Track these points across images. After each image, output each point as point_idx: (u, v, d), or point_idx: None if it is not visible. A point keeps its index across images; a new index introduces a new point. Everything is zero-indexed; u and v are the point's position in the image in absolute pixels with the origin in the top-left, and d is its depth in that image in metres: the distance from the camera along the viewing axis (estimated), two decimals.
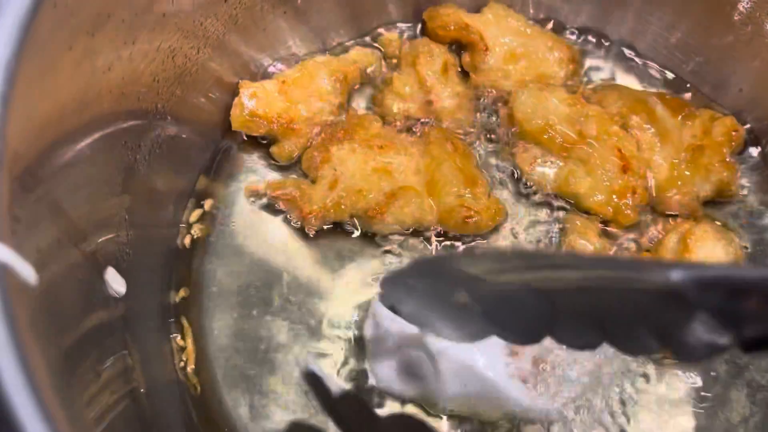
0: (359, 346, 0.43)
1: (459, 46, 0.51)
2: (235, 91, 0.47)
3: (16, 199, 0.25)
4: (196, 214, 0.46)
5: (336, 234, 0.46)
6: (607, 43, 0.53)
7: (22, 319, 0.22)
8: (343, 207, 0.45)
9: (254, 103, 0.47)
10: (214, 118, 0.47)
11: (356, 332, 0.44)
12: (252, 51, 0.48)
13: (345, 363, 0.43)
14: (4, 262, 0.23)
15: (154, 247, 0.43)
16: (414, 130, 0.49)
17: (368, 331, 0.43)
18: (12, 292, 0.22)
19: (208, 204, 0.47)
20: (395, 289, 0.35)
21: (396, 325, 0.43)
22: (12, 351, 0.21)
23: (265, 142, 0.48)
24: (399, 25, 0.53)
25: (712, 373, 0.43)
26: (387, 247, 0.46)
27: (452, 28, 0.51)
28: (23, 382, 0.21)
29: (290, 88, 0.48)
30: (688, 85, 0.52)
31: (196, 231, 0.46)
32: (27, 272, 0.24)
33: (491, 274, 0.32)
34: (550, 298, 0.30)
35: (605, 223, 0.46)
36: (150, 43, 0.37)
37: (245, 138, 0.48)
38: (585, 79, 0.52)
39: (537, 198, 0.48)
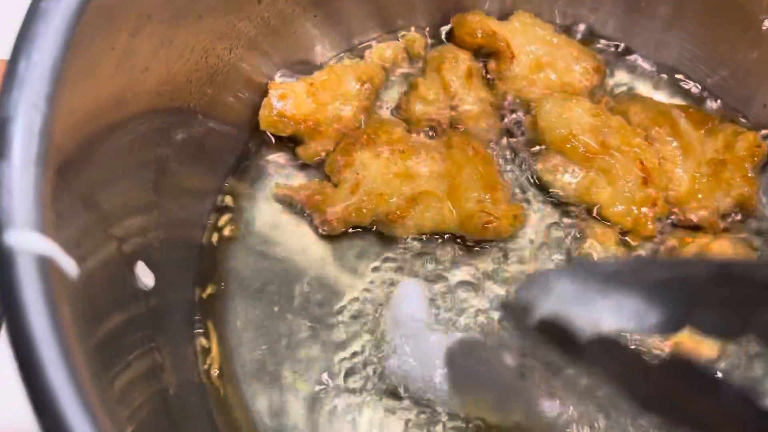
0: (378, 342, 0.44)
1: (485, 52, 0.52)
2: (263, 92, 0.48)
3: (58, 193, 0.26)
4: (221, 211, 0.47)
5: (356, 235, 0.47)
6: (632, 54, 0.53)
7: (64, 313, 0.23)
8: (364, 211, 0.46)
9: (283, 104, 0.47)
10: (242, 117, 0.48)
11: (375, 329, 0.45)
12: (282, 52, 0.49)
13: (364, 359, 0.44)
14: (48, 255, 0.24)
15: (181, 243, 0.44)
16: (437, 134, 0.50)
17: (387, 327, 0.44)
18: (56, 286, 0.23)
19: (233, 202, 0.48)
20: (534, 288, 0.34)
21: (414, 323, 0.44)
22: (56, 345, 0.22)
23: (291, 144, 0.49)
24: (426, 30, 0.54)
25: None
26: (406, 250, 0.47)
27: (479, 35, 0.51)
28: (66, 376, 0.22)
29: (318, 90, 0.49)
30: (712, 99, 0.52)
31: (222, 228, 0.47)
32: (69, 266, 0.25)
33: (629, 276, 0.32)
34: (689, 291, 0.30)
35: (624, 233, 0.47)
36: (186, 43, 0.38)
37: (272, 138, 0.49)
38: (609, 89, 0.52)
39: (557, 206, 0.48)
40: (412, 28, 0.54)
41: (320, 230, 0.47)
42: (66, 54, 0.27)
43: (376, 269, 0.46)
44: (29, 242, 0.23)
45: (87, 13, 0.28)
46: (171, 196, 0.42)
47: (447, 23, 0.54)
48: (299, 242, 0.47)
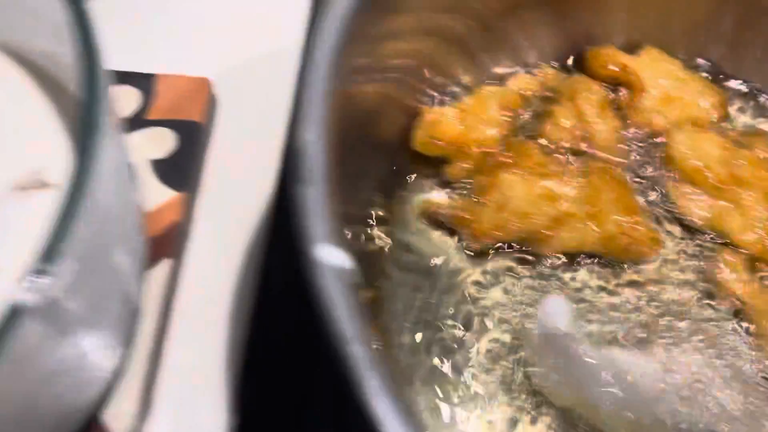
0: (525, 357, 0.47)
1: (615, 84, 0.56)
2: (416, 115, 0.52)
3: (336, 211, 0.30)
4: (375, 223, 0.51)
5: (500, 252, 0.51)
6: (755, 91, 0.57)
7: (363, 316, 0.27)
8: (511, 229, 0.49)
9: (435, 126, 0.51)
10: (396, 138, 0.52)
11: (521, 343, 0.48)
12: (433, 80, 0.53)
13: (511, 372, 0.47)
14: (345, 266, 0.27)
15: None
16: (572, 160, 0.53)
17: (533, 342, 0.47)
18: (354, 293, 0.27)
19: (385, 215, 0.52)
20: None
21: (561, 339, 0.47)
22: (365, 348, 0.26)
23: (437, 164, 0.53)
24: (556, 62, 0.58)
25: None
26: (550, 267, 0.50)
27: (613, 67, 0.55)
28: (371, 368, 0.25)
29: (466, 115, 0.52)
30: None
31: (376, 241, 0.51)
32: (354, 275, 0.28)
33: None
34: None
35: (754, 260, 0.50)
36: (384, 70, 0.42)
37: (420, 158, 0.53)
38: (733, 124, 0.56)
39: (689, 231, 0.51)
40: (545, 61, 0.57)
41: (467, 246, 0.50)
42: (334, 87, 0.31)
43: (520, 284, 0.50)
44: (331, 256, 0.27)
45: (345, 52, 0.32)
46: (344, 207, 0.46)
47: (575, 55, 0.57)
48: (446, 256, 0.51)
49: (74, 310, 0.32)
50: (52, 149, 0.43)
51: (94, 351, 0.35)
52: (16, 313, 0.26)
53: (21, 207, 0.39)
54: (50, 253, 0.27)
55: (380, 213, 0.52)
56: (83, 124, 0.31)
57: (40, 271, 0.27)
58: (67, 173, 0.42)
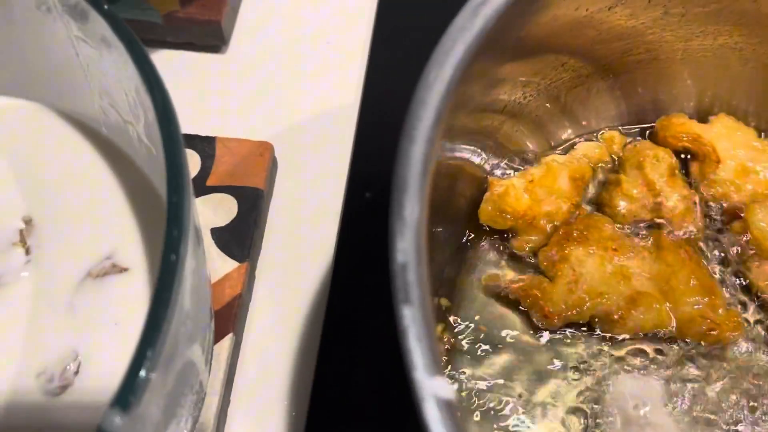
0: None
1: (684, 153, 0.54)
2: (483, 187, 0.50)
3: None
4: (439, 295, 0.50)
5: (571, 331, 0.49)
6: None
7: None
8: (585, 308, 0.48)
9: (503, 199, 0.50)
10: (461, 211, 0.51)
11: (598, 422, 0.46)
12: (498, 151, 0.51)
13: None
14: (448, 398, 0.26)
15: None
16: (643, 233, 0.51)
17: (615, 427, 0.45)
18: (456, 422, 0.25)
19: (450, 288, 0.50)
20: None
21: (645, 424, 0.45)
22: None
23: (500, 236, 0.51)
24: (621, 128, 0.56)
25: None
26: (626, 349, 0.48)
27: (684, 138, 0.53)
28: None
29: (534, 186, 0.51)
30: None
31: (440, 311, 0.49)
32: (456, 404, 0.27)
33: None
34: None
35: None
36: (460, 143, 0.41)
37: (487, 231, 0.51)
38: None
39: None
40: (610, 128, 0.56)
41: (539, 325, 0.49)
42: (429, 166, 0.30)
43: (595, 366, 0.48)
44: (434, 386, 0.26)
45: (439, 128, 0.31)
46: None
47: (641, 122, 0.56)
48: (512, 335, 0.49)
49: (154, 414, 0.31)
50: (122, 231, 0.42)
51: None
52: None
53: (100, 294, 0.38)
54: (135, 381, 0.26)
55: (447, 286, 0.50)
56: (169, 230, 0.30)
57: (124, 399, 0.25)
58: (140, 257, 0.41)
